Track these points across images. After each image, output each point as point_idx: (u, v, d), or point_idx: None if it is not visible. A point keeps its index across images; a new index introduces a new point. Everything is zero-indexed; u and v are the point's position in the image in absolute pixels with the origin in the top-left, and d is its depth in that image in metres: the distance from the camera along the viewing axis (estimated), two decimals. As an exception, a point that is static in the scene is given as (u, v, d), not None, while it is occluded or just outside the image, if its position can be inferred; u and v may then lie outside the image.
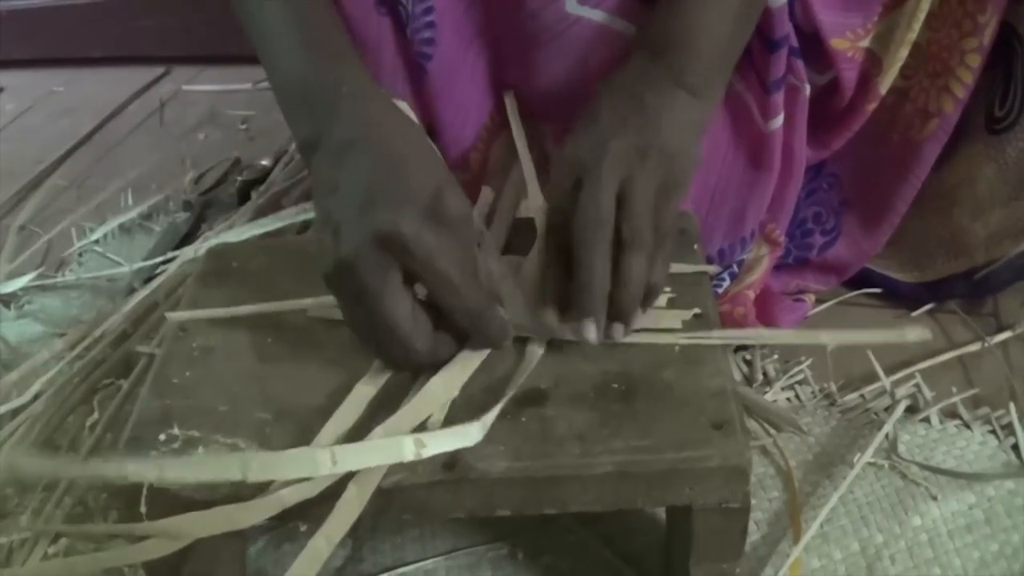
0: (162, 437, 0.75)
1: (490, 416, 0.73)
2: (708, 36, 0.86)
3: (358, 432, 0.74)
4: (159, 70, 2.08)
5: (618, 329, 0.79)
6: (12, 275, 1.41)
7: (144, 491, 0.70)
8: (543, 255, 0.85)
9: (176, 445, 0.74)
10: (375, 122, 0.80)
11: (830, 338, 0.88)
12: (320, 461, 0.68)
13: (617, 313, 0.78)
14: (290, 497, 0.69)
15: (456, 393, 0.76)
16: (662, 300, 0.84)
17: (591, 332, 0.77)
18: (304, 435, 0.73)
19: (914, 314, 1.15)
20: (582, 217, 0.77)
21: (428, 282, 0.74)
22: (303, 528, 0.70)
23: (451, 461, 0.71)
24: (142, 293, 1.27)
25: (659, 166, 0.79)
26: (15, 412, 1.12)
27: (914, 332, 0.80)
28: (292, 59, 0.84)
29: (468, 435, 0.71)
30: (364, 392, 0.77)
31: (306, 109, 0.82)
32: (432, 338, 0.76)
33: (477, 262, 0.76)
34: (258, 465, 0.67)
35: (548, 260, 0.83)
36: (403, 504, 0.72)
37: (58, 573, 0.78)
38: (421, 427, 0.73)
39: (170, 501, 0.70)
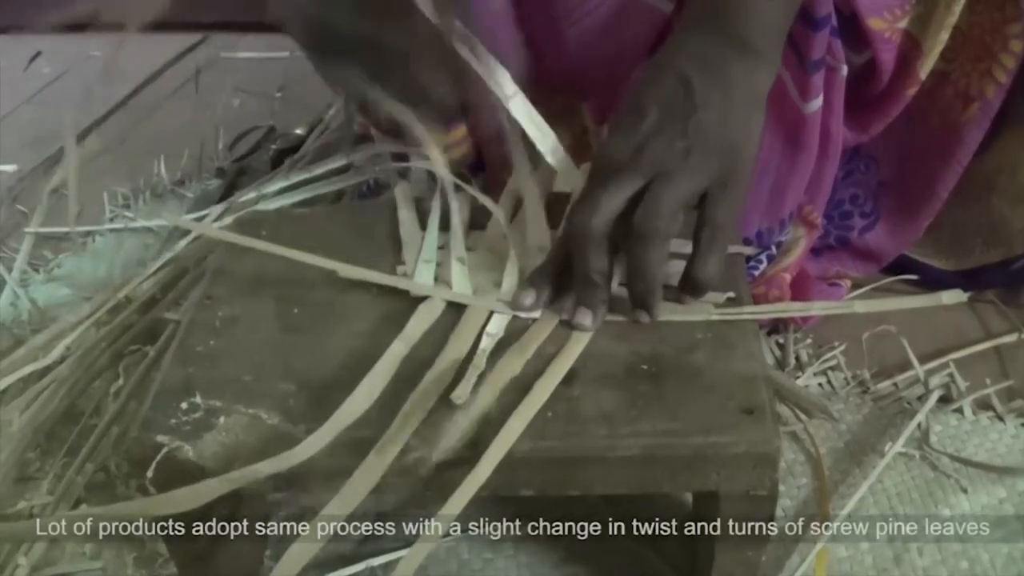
0: (184, 406, 0.74)
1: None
2: None
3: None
4: (197, 37, 2.07)
5: (642, 316, 0.79)
6: (44, 239, 1.41)
7: (155, 461, 0.70)
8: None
9: (198, 415, 0.73)
10: None
11: (864, 307, 0.87)
12: None
13: (634, 302, 0.79)
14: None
15: None
16: (719, 297, 0.82)
17: (586, 319, 0.78)
18: (327, 407, 0.72)
19: (950, 303, 1.13)
20: (578, 210, 0.77)
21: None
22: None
23: (473, 440, 0.70)
24: (168, 257, 1.26)
25: (702, 166, 0.77)
26: (41, 374, 1.11)
27: (950, 295, 0.83)
28: None
29: None
30: (397, 351, 0.76)
31: None
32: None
33: None
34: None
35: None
36: (425, 481, 0.71)
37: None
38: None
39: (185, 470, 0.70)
